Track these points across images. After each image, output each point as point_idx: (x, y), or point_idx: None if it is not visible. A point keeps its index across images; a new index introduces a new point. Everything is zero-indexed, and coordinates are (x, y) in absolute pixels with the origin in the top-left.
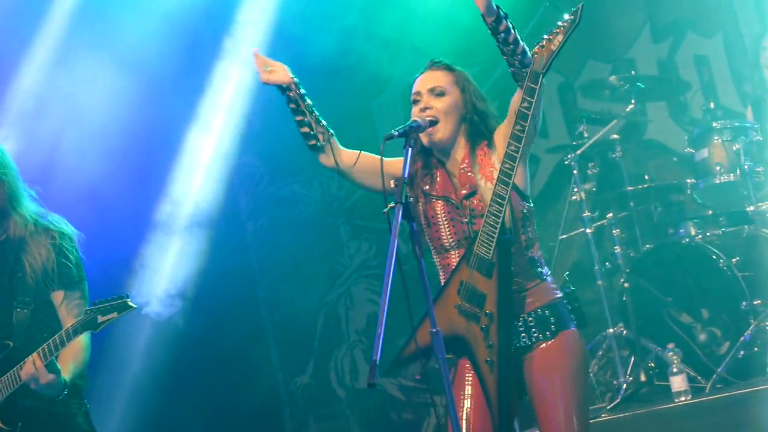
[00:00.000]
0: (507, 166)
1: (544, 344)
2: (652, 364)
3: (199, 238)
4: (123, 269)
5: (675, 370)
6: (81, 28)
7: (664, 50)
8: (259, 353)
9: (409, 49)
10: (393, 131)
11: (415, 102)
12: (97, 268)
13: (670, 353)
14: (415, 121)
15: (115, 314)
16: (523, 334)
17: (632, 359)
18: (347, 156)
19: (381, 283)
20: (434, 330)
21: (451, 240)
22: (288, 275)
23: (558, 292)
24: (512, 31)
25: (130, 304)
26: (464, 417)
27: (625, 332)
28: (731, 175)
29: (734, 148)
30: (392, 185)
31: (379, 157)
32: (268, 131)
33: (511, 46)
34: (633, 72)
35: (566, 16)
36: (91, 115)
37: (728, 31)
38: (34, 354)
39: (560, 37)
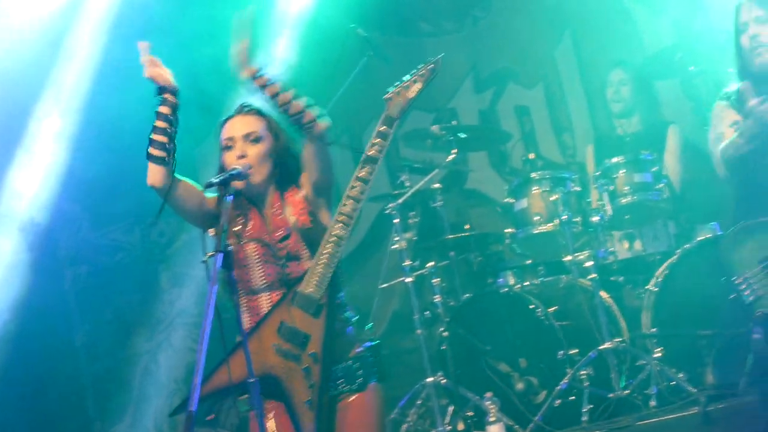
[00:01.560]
0: (349, 208)
1: (349, 397)
2: (471, 413)
3: (15, 287)
4: None
5: (492, 418)
6: None
7: (486, 100)
8: (76, 403)
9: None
10: (213, 179)
11: (228, 147)
12: None
13: (488, 402)
14: (235, 168)
15: None
16: (330, 384)
17: (451, 408)
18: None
19: (200, 331)
20: (252, 380)
21: (261, 282)
22: (108, 323)
23: (362, 344)
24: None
25: None
26: None
27: (443, 381)
28: (549, 225)
29: (552, 199)
30: (212, 233)
31: (198, 188)
32: (88, 178)
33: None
34: (455, 122)
35: (425, 65)
36: None
37: (549, 82)
38: None
39: (418, 85)
